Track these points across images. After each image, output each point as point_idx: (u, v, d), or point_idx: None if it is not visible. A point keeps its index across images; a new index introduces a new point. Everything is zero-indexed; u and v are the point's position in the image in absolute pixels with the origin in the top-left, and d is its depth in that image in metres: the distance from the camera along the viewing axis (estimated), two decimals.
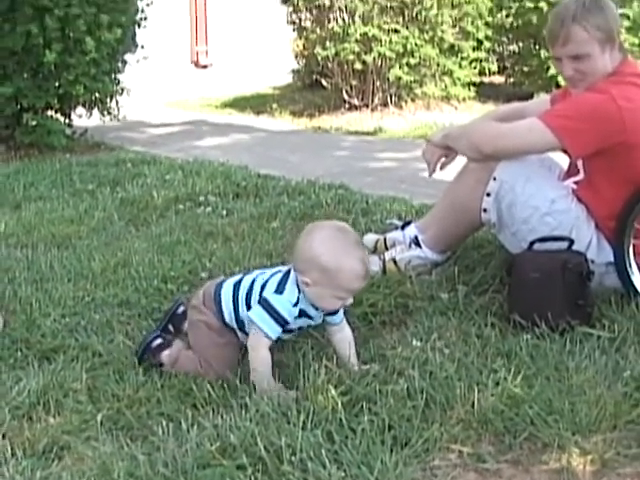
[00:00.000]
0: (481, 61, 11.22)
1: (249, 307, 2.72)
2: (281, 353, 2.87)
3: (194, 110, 11.71)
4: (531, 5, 10.36)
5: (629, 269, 3.22)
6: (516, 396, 2.48)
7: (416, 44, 9.92)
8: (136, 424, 2.54)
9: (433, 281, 3.55)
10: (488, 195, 3.39)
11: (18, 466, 2.30)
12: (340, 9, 9.92)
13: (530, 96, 9.30)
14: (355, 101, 10.42)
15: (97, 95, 7.99)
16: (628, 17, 9.79)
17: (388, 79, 10.08)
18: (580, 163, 3.40)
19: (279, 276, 2.74)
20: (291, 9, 10.75)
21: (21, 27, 7.10)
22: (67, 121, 8.11)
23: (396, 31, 9.85)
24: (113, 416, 2.59)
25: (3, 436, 2.50)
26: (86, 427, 2.53)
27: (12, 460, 2.34)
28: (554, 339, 2.91)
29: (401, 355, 2.82)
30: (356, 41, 9.76)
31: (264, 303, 2.66)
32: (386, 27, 9.82)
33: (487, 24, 10.92)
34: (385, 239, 3.86)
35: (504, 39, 11.85)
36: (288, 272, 2.72)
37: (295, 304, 2.65)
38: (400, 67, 9.97)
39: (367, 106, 10.35)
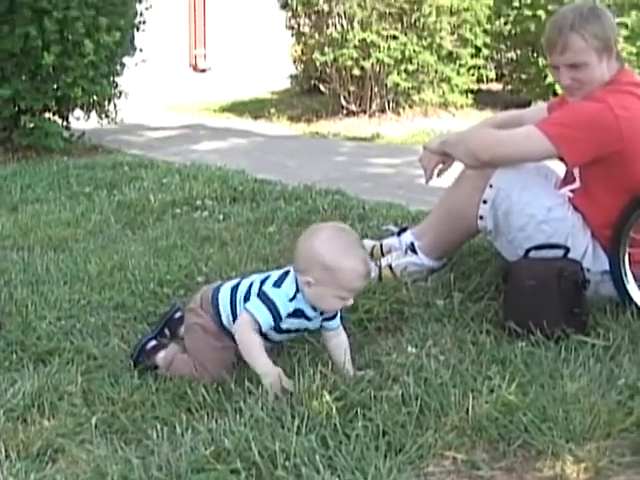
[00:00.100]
0: (479, 68, 11.24)
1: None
2: (277, 358, 2.87)
3: (192, 114, 11.72)
4: (529, 13, 10.39)
5: (624, 278, 3.22)
6: (510, 403, 2.48)
7: (414, 51, 9.94)
8: (130, 427, 2.54)
9: (429, 288, 3.55)
10: (484, 202, 3.40)
11: (12, 468, 2.30)
12: (339, 15, 9.94)
13: (528, 104, 9.32)
14: (353, 107, 10.44)
15: (95, 98, 7.99)
16: (626, 26, 9.81)
17: (386, 85, 10.09)
18: (576, 171, 3.41)
19: (279, 273, 2.77)
20: (290, 14, 10.77)
21: (20, 29, 7.10)
22: (65, 123, 8.11)
23: (394, 37, 9.87)
24: (108, 419, 2.58)
25: None
26: (80, 430, 2.52)
27: (6, 462, 2.33)
28: (549, 347, 2.91)
29: (396, 361, 2.83)
30: (354, 47, 9.78)
31: (262, 295, 2.68)
32: (384, 33, 9.84)
33: (485, 31, 10.94)
34: (381, 245, 3.86)
35: (502, 47, 11.88)
36: (288, 272, 2.74)
37: (291, 299, 2.67)
38: (398, 73, 9.99)
39: (365, 112, 10.37)
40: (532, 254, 3.25)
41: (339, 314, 2.81)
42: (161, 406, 2.63)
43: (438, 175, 3.57)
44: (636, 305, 3.19)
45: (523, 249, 3.28)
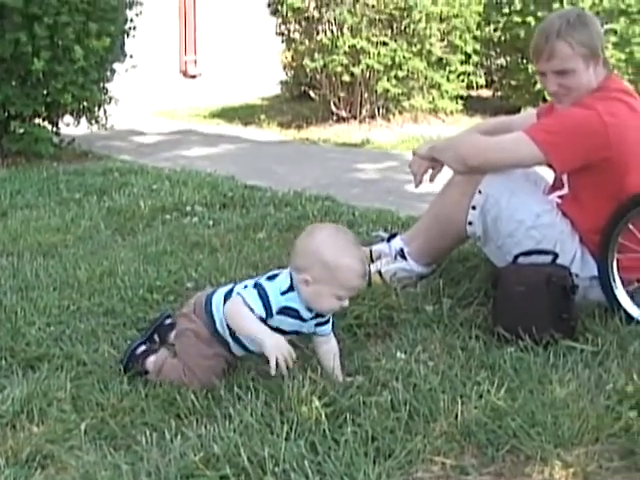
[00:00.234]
0: (469, 74, 11.25)
1: None
2: (266, 364, 2.87)
3: (182, 120, 11.71)
4: (519, 20, 10.40)
5: (613, 283, 3.24)
6: (499, 409, 2.49)
7: (404, 57, 9.94)
8: (120, 433, 2.53)
9: (418, 293, 3.56)
10: (473, 208, 3.41)
11: (1, 475, 2.29)
12: (329, 21, 9.94)
13: (517, 110, 9.34)
14: (343, 113, 10.44)
15: (85, 104, 7.97)
16: (615, 32, 9.83)
17: (376, 91, 10.09)
18: (565, 177, 3.42)
19: (274, 271, 2.79)
20: (280, 20, 10.76)
21: (10, 35, 7.08)
22: (55, 129, 8.09)
23: (384, 44, 9.87)
24: (97, 425, 2.58)
25: None
26: (70, 436, 2.52)
27: None
28: (538, 352, 2.92)
29: (385, 367, 2.83)
30: (344, 53, 9.78)
31: (258, 287, 2.70)
32: (374, 40, 9.84)
33: (475, 38, 10.96)
34: (371, 251, 3.87)
35: (492, 53, 11.89)
36: (283, 271, 2.77)
37: (283, 293, 2.67)
38: (388, 79, 9.99)
39: (355, 118, 10.37)
40: (521, 260, 3.27)
41: (331, 320, 2.82)
42: (150, 412, 2.62)
43: (430, 180, 3.58)
44: (624, 310, 3.20)
45: (512, 255, 3.29)
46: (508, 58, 11.46)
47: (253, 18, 12.59)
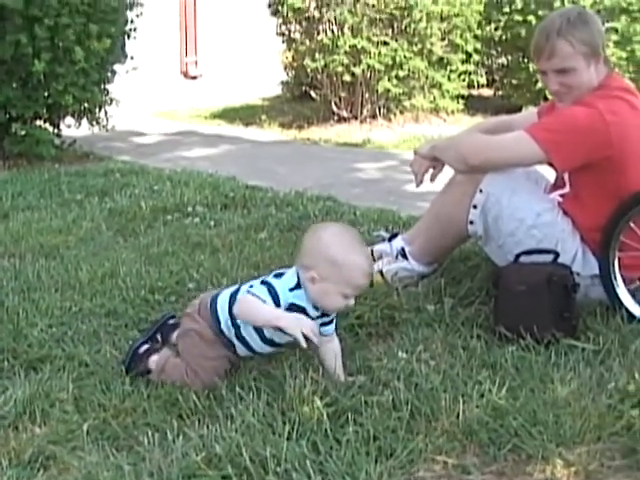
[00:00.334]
0: (470, 74, 11.24)
1: None
2: (268, 364, 2.88)
3: (183, 121, 11.71)
4: (520, 18, 10.39)
5: (614, 282, 3.24)
6: (501, 408, 2.49)
7: (405, 56, 9.93)
8: (122, 434, 2.54)
9: (419, 293, 3.56)
10: (474, 207, 3.41)
11: (3, 476, 2.30)
12: (329, 21, 9.93)
13: (518, 109, 9.32)
14: (344, 113, 10.43)
15: (86, 105, 7.97)
16: (616, 30, 9.82)
17: (377, 91, 10.09)
18: (566, 176, 3.42)
19: (280, 270, 2.80)
20: (280, 21, 10.75)
21: (10, 36, 7.08)
22: (56, 131, 8.08)
23: (385, 43, 9.87)
24: (99, 426, 2.58)
25: None
26: (72, 437, 2.52)
27: None
28: (539, 351, 2.92)
29: (387, 367, 2.84)
30: (345, 53, 9.78)
31: (266, 284, 2.71)
32: (375, 39, 9.83)
33: (476, 37, 10.95)
34: (372, 251, 3.86)
35: (493, 52, 11.87)
36: (289, 269, 2.78)
37: (291, 289, 2.68)
38: (389, 79, 9.98)
39: (356, 118, 10.36)
40: (522, 259, 3.27)
41: (335, 320, 2.82)
42: (152, 412, 2.63)
43: (431, 180, 3.58)
44: (626, 309, 3.20)
45: (513, 254, 3.29)
46: (509, 57, 11.45)
47: (254, 19, 12.59)
